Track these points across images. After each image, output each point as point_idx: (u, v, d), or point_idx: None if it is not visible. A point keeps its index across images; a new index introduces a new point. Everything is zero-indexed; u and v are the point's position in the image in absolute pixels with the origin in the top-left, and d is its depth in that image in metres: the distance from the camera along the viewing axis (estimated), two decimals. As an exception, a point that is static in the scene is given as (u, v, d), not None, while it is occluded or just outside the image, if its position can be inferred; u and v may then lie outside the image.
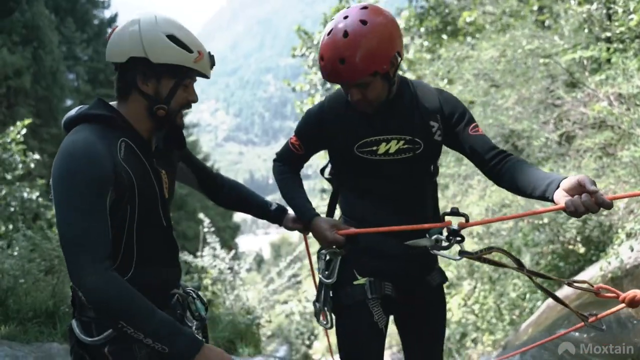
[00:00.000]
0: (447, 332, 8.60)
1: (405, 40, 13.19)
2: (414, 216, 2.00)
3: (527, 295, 7.07)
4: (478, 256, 1.79)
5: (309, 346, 18.80)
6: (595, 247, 6.48)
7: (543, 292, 1.93)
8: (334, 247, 2.01)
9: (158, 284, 1.72)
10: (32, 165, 7.60)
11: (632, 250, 4.97)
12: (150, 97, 1.64)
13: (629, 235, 5.26)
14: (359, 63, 1.80)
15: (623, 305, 1.80)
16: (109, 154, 1.51)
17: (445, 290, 8.73)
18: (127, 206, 1.57)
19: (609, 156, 6.01)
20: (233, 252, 9.00)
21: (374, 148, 1.98)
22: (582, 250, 6.62)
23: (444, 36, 12.39)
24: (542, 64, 7.35)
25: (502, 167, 1.92)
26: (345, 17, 1.83)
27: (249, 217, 2.32)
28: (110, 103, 1.69)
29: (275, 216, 2.23)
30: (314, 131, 2.10)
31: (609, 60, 6.76)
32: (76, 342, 1.62)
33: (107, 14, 24.60)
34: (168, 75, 1.63)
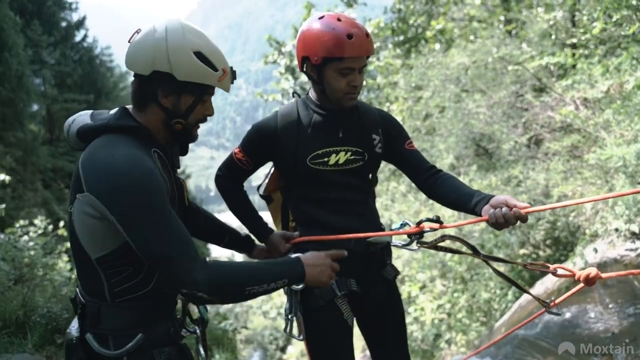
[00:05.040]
0: (421, 333, 8.70)
1: (376, 45, 13.39)
2: (365, 219, 2.18)
3: (499, 297, 7.21)
4: (434, 245, 1.92)
5: (283, 350, 18.76)
6: (563, 248, 6.66)
7: (501, 277, 2.02)
8: (299, 254, 2.08)
9: (172, 292, 1.70)
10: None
11: (595, 252, 5.13)
12: (169, 111, 1.62)
13: (593, 236, 5.43)
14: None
15: (582, 285, 1.84)
16: (154, 166, 1.51)
17: (418, 292, 8.78)
18: None
19: (576, 159, 6.19)
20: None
21: (325, 159, 2.10)
22: (548, 252, 6.79)
23: (415, 45, 12.61)
24: (510, 70, 7.53)
25: (435, 181, 2.15)
26: (321, 17, 2.01)
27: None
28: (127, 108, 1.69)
29: (244, 247, 2.29)
30: (264, 146, 2.16)
31: (574, 66, 6.97)
32: (87, 355, 1.58)
33: (75, 16, 23.89)
34: (189, 91, 1.61)
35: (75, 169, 1.54)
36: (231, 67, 1.71)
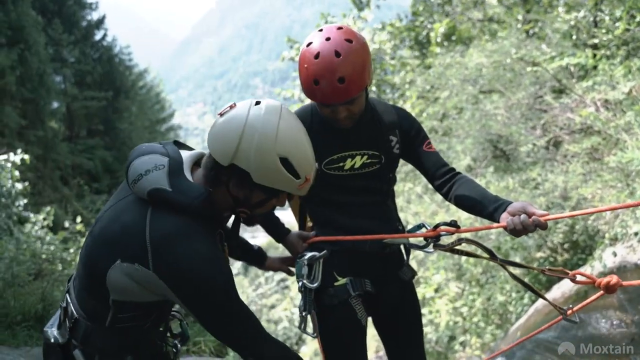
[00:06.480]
0: (436, 335, 8.65)
1: (392, 44, 13.34)
2: (382, 220, 2.15)
3: (515, 300, 7.13)
4: (450, 248, 1.91)
5: (297, 350, 18.81)
6: (581, 251, 6.56)
7: (517, 282, 1.98)
8: (315, 253, 2.08)
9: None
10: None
11: (615, 255, 5.05)
12: (238, 200, 1.56)
13: (613, 240, 5.34)
14: (356, 80, 1.84)
15: (601, 292, 1.77)
16: (225, 259, 1.57)
17: (434, 294, 8.71)
18: None
19: (595, 161, 6.10)
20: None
21: (341, 164, 2.06)
22: (565, 255, 6.70)
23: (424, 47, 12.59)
24: (529, 71, 7.44)
25: (452, 184, 2.09)
26: (328, 39, 1.84)
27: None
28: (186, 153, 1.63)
29: (256, 260, 2.31)
30: None
31: (595, 67, 6.87)
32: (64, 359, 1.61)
33: (95, 15, 24.26)
34: (263, 189, 1.54)
35: (133, 229, 1.45)
36: (316, 169, 1.66)
